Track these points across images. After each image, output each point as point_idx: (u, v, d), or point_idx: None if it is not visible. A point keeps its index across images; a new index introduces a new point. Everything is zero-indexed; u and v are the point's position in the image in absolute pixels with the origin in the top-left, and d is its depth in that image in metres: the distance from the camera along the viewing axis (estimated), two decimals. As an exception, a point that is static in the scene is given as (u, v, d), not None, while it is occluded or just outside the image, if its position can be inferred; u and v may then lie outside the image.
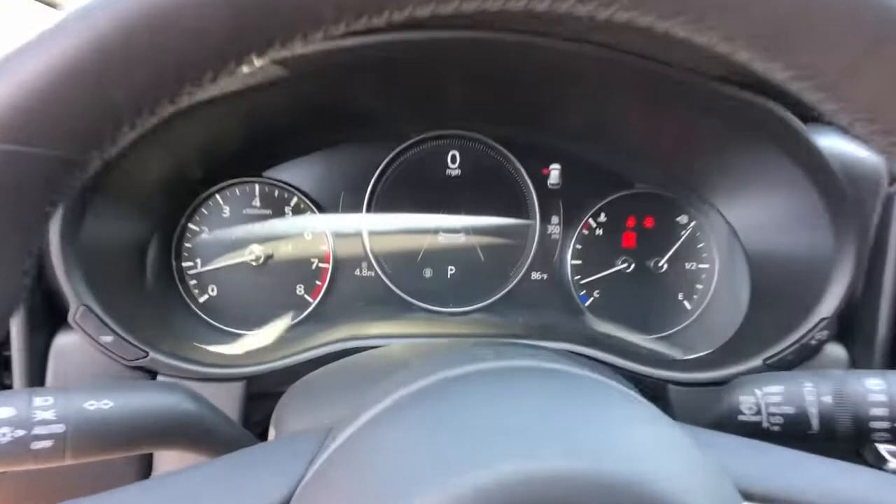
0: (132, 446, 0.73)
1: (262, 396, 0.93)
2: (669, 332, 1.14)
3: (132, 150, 0.87)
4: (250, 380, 0.89)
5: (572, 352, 0.91)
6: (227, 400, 0.87)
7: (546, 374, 0.53)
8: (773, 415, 0.71)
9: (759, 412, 0.74)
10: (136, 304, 0.92)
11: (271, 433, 0.79)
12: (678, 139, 1.01)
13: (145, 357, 0.84)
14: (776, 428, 0.70)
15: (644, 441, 0.43)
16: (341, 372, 0.79)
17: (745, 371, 0.88)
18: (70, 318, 0.80)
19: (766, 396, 0.74)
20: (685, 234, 1.14)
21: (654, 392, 0.90)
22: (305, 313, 1.11)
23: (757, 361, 0.89)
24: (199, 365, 0.87)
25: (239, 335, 1.08)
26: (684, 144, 1.01)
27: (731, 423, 0.75)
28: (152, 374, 0.86)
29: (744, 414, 0.75)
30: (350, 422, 0.53)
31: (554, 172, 1.15)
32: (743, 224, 1.05)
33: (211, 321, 1.08)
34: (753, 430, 0.70)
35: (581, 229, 1.14)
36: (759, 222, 1.00)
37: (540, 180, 1.14)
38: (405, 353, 0.80)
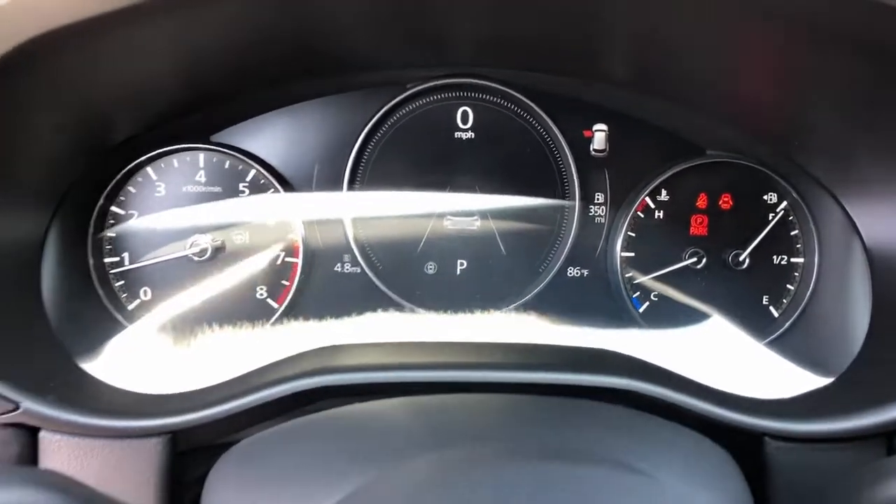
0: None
1: (200, 450, 0.67)
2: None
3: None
4: (178, 433, 0.63)
5: (635, 392, 0.64)
6: (145, 461, 0.62)
7: None
8: None
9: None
10: (13, 330, 0.66)
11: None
12: (782, 86, 0.71)
13: (14, 410, 0.58)
14: None
15: None
16: (313, 441, 0.54)
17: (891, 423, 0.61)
18: None
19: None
20: (774, 217, 0.86)
21: (741, 447, 0.63)
22: (269, 323, 0.84)
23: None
24: (106, 415, 0.60)
25: (180, 356, 0.82)
26: (792, 95, 0.72)
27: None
28: (31, 430, 0.60)
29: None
30: None
31: (599, 135, 0.86)
32: (869, 214, 0.75)
33: (143, 336, 0.81)
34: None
35: (635, 211, 0.86)
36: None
37: (580, 146, 0.86)
38: (409, 434, 0.55)
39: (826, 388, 0.72)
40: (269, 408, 0.63)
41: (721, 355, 0.84)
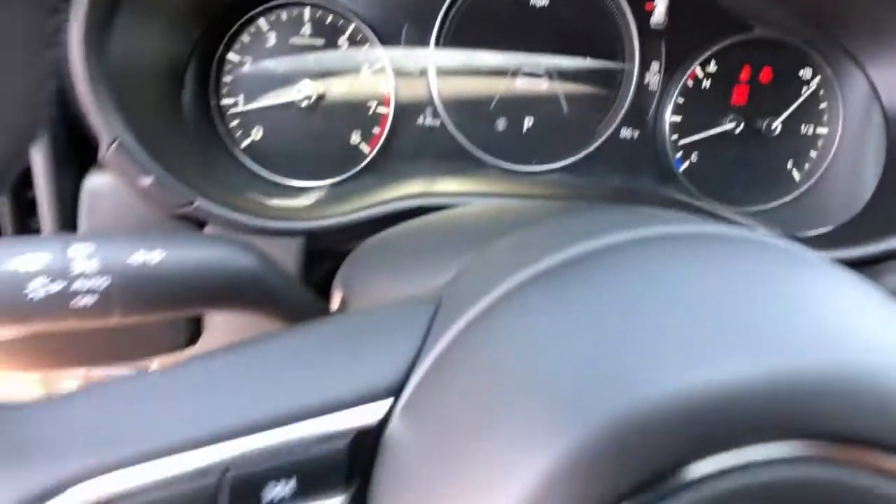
0: (185, 306, 0.63)
1: (321, 255, 0.82)
2: (771, 205, 1.00)
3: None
4: (310, 236, 0.78)
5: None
6: (284, 257, 0.77)
7: (725, 241, 0.41)
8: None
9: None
10: (177, 143, 0.79)
11: (335, 296, 0.69)
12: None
13: (191, 204, 0.72)
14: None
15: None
16: (431, 230, 0.67)
17: (888, 251, 0.76)
18: (101, 155, 0.67)
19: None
20: (807, 91, 0.97)
21: None
22: (361, 166, 0.97)
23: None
24: (254, 216, 0.75)
25: (286, 187, 0.96)
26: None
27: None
28: (198, 224, 0.75)
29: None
30: (470, 298, 0.42)
31: (660, 7, 0.96)
32: (892, 81, 0.87)
33: (255, 169, 0.95)
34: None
35: (686, 80, 0.97)
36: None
37: (642, 17, 0.96)
38: (516, 213, 0.68)
39: (840, 227, 0.86)
40: (383, 223, 0.78)
41: (746, 209, 0.99)
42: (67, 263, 0.53)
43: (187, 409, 0.37)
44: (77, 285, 0.53)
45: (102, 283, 0.54)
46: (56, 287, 0.52)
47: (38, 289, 0.51)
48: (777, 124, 0.97)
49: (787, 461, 0.27)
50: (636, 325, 0.33)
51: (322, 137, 0.96)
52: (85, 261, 0.53)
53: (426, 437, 0.37)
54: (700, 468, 0.27)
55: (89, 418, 0.37)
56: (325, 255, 0.82)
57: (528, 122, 0.99)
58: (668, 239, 0.39)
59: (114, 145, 0.67)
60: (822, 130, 0.98)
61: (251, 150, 0.95)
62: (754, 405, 0.27)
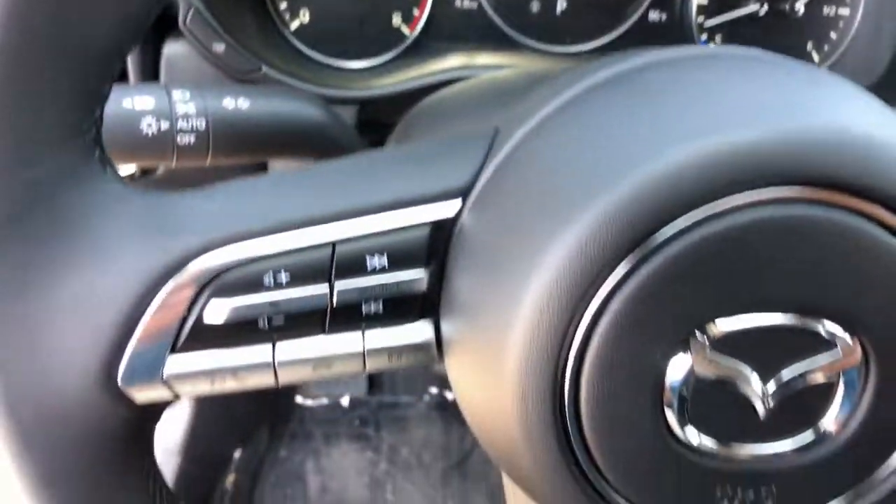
0: (265, 151, 0.72)
1: (372, 126, 0.90)
2: (790, 86, 1.06)
3: None
4: (362, 105, 0.86)
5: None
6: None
7: (736, 57, 0.49)
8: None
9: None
10: (240, 21, 0.86)
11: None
12: None
13: (258, 71, 0.80)
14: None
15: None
16: (478, 89, 0.75)
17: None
18: (181, 23, 0.75)
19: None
20: (832, -29, 1.01)
21: None
22: (403, 47, 1.03)
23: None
24: (313, 85, 0.83)
25: (333, 67, 1.02)
26: None
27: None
28: (264, 91, 0.83)
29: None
30: (523, 119, 0.50)
31: None
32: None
33: (305, 51, 1.01)
34: None
35: (714, -38, 1.01)
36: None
37: None
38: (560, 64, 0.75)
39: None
40: (429, 92, 0.85)
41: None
42: (172, 105, 0.61)
43: (300, 197, 0.47)
44: (181, 124, 0.62)
45: (201, 123, 0.63)
46: (165, 125, 0.61)
47: (151, 124, 0.60)
48: (800, 6, 1.01)
49: (787, 200, 0.36)
50: (661, 111, 0.41)
51: (366, 19, 1.01)
52: (184, 104, 0.62)
53: (491, 224, 0.46)
54: (717, 206, 0.36)
55: (216, 204, 0.46)
56: (376, 125, 0.90)
57: (561, 4, 1.04)
58: (686, 57, 0.47)
59: (190, 13, 0.74)
60: (844, 11, 1.02)
61: (300, 31, 1.01)
62: (758, 157, 0.36)
